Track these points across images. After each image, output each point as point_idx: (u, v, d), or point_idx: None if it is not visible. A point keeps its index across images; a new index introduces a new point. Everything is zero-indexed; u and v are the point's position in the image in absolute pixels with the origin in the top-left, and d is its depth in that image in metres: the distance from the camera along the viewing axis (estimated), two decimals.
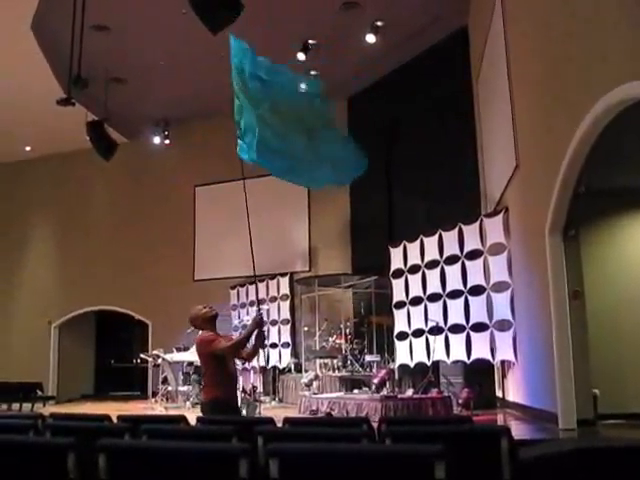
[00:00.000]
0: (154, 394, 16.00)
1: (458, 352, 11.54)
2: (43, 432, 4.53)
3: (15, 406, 16.37)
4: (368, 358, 13.75)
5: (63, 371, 20.20)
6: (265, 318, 16.48)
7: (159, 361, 15.16)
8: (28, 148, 20.66)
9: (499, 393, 11.89)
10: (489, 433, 4.01)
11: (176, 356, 14.96)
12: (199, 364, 7.59)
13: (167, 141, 19.34)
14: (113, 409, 13.70)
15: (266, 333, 15.49)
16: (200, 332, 6.02)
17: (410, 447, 2.94)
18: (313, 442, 3.61)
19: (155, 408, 14.10)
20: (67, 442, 3.27)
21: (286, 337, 16.65)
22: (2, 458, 3.49)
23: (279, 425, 4.86)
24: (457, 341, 11.58)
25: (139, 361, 19.23)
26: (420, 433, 4.05)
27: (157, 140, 19.30)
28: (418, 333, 12.52)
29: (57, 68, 14.59)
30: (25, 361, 19.51)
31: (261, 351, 16.27)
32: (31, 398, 16.88)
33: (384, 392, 11.17)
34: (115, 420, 5.28)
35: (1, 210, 21.46)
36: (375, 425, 4.64)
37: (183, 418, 5.27)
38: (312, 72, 15.82)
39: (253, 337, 6.00)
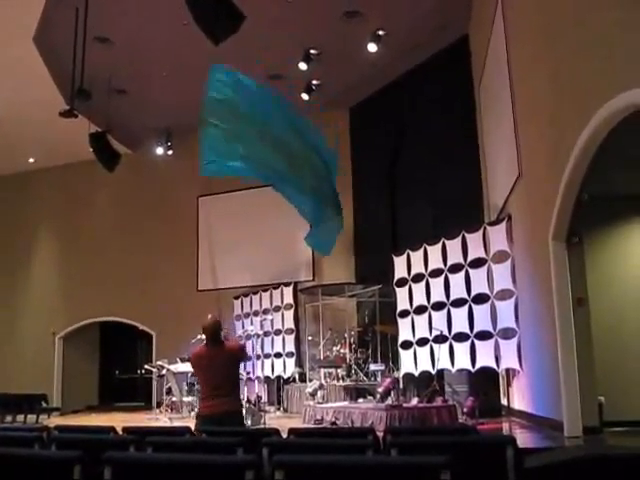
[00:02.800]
0: (159, 405, 15.99)
1: (463, 360, 11.52)
2: (49, 445, 4.53)
3: (20, 417, 16.36)
4: (372, 367, 13.73)
5: (67, 382, 20.19)
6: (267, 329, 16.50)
7: (163, 372, 15.14)
8: (32, 160, 20.71)
9: (504, 401, 11.85)
10: (495, 443, 4.01)
11: (180, 366, 14.93)
12: None
13: (170, 151, 19.37)
14: (118, 420, 13.71)
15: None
16: (225, 340, 6.39)
17: (416, 458, 2.94)
18: (319, 453, 3.62)
19: (160, 419, 14.07)
20: (73, 455, 3.28)
21: (290, 347, 16.63)
22: (9, 471, 3.49)
23: (284, 435, 4.87)
24: (461, 349, 11.56)
25: (143, 372, 19.23)
26: (426, 443, 4.04)
27: (160, 151, 19.32)
28: (422, 342, 12.50)
29: (60, 80, 14.65)
30: (30, 372, 19.51)
31: (265, 361, 16.39)
32: (36, 409, 16.86)
33: (389, 401, 11.14)
34: (120, 431, 5.28)
35: (5, 222, 21.51)
36: (380, 435, 4.65)
37: (188, 429, 5.27)
38: (313, 81, 15.87)
39: None
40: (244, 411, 11.45)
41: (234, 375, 6.35)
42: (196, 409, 13.72)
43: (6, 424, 15.44)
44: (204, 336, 6.54)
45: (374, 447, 3.88)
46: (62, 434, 5.20)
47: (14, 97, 16.09)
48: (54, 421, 15.04)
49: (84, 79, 11.37)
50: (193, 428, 5.73)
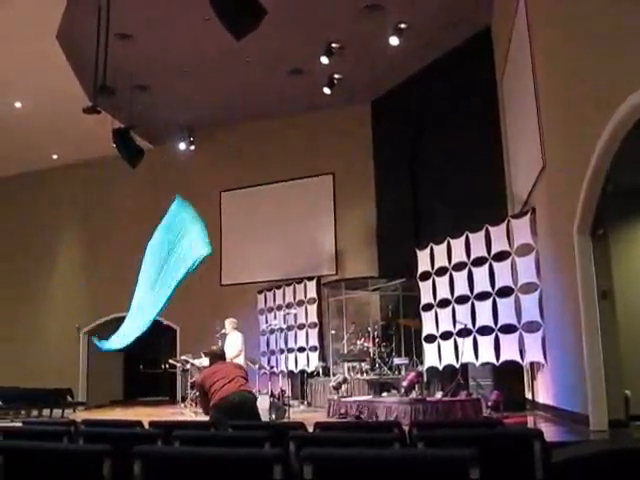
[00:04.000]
0: (183, 399, 16.05)
1: (487, 354, 11.48)
2: (76, 439, 4.57)
3: (45, 412, 16.51)
4: (396, 361, 13.71)
5: (92, 377, 20.35)
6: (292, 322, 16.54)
7: (187, 366, 15.20)
8: (55, 156, 20.86)
9: (528, 395, 11.80)
10: (522, 436, 3.99)
11: (204, 361, 14.92)
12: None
13: (192, 147, 19.47)
14: (143, 414, 13.77)
15: None
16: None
17: (444, 452, 2.94)
18: (345, 447, 3.62)
19: (184, 413, 14.14)
20: (103, 449, 3.30)
21: (314, 341, 16.64)
22: (37, 465, 3.53)
23: (310, 429, 4.87)
24: (486, 343, 11.52)
25: (167, 366, 19.33)
26: (452, 437, 4.04)
27: (182, 146, 19.43)
28: (446, 335, 12.47)
29: (82, 77, 14.73)
30: (55, 367, 19.66)
31: (289, 355, 16.43)
32: (61, 404, 17.01)
33: (413, 395, 11.14)
34: (147, 426, 5.32)
35: (29, 218, 21.72)
36: (406, 429, 4.64)
37: (212, 423, 5.29)
38: (335, 75, 15.86)
39: None
40: (268, 405, 11.54)
41: (244, 376, 7.37)
42: None
43: (32, 418, 15.60)
44: (216, 347, 8.18)
45: (401, 440, 3.88)
46: (89, 428, 5.24)
47: (37, 94, 16.23)
48: (80, 415, 15.15)
49: (106, 75, 11.41)
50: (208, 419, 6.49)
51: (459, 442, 3.76)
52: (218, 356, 7.67)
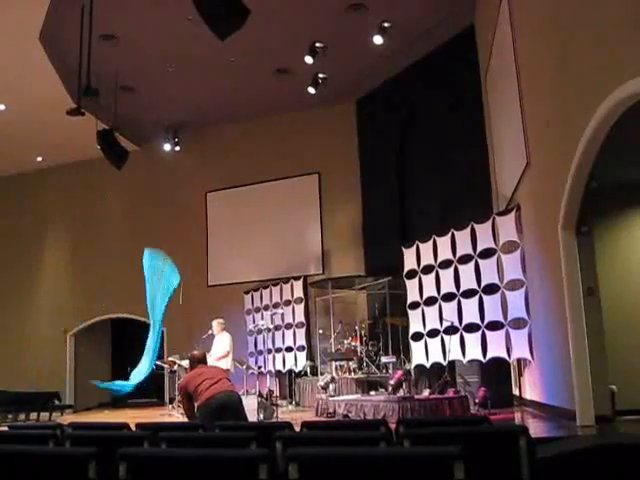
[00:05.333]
0: (171, 400, 16.03)
1: (474, 351, 11.52)
2: (63, 442, 4.55)
3: (33, 415, 16.45)
4: (384, 359, 13.72)
5: (80, 379, 20.24)
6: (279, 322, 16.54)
7: (175, 367, 15.16)
8: (39, 159, 20.77)
9: (516, 391, 11.85)
10: (507, 432, 4.01)
11: None
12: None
13: (177, 147, 19.46)
14: (131, 417, 13.77)
15: None
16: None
17: (429, 449, 2.95)
18: (332, 446, 3.62)
19: (173, 414, 14.12)
20: (88, 452, 3.29)
21: (301, 340, 16.66)
22: (23, 469, 3.52)
23: (297, 428, 4.88)
24: (472, 340, 11.56)
25: (155, 368, 19.27)
26: (438, 434, 4.05)
27: (168, 147, 19.41)
28: (433, 333, 12.51)
29: (66, 78, 14.69)
30: (42, 370, 19.59)
31: (277, 355, 16.43)
32: (49, 407, 16.95)
33: (401, 393, 11.16)
34: (134, 428, 5.31)
35: (14, 221, 21.60)
36: (393, 427, 4.65)
37: (201, 425, 5.29)
38: (320, 75, 15.87)
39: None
40: (256, 405, 11.53)
41: (228, 378, 7.57)
42: None
43: (19, 422, 15.54)
44: (196, 352, 7.98)
45: (387, 439, 3.89)
46: (76, 431, 5.23)
47: (20, 96, 16.15)
48: (67, 419, 15.13)
49: (90, 77, 11.36)
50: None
51: (445, 439, 3.77)
52: (198, 360, 7.73)
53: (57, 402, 17.87)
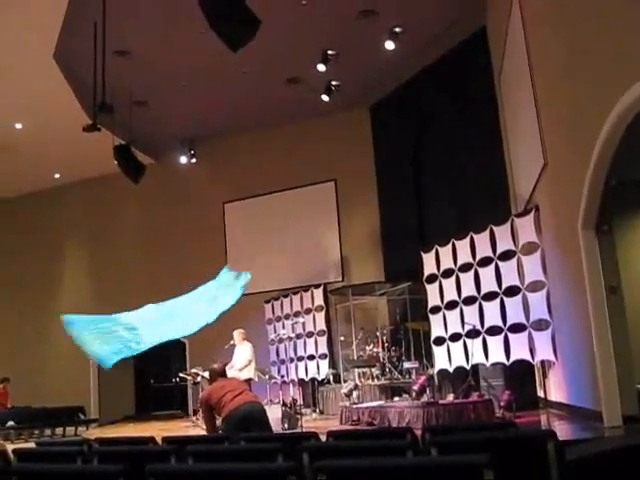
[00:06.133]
0: (195, 412, 16.04)
1: (497, 354, 11.45)
2: (90, 458, 4.57)
3: (59, 430, 16.52)
4: (406, 365, 13.66)
5: (104, 393, 20.36)
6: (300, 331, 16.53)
7: (198, 379, 15.19)
8: (57, 175, 20.93)
9: (541, 393, 11.77)
10: (535, 437, 3.98)
11: None
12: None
13: (194, 160, 19.53)
14: (156, 429, 13.80)
15: None
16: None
17: (458, 458, 2.93)
18: (359, 455, 3.61)
19: (197, 425, 14.13)
20: (116, 469, 3.30)
21: (323, 348, 16.64)
22: None
23: (322, 437, 4.87)
24: (495, 343, 11.50)
25: (178, 380, 19.32)
26: (465, 441, 4.03)
27: (184, 159, 19.49)
28: (455, 337, 12.45)
29: (81, 95, 14.79)
30: (66, 385, 19.70)
31: (299, 363, 16.41)
32: (74, 422, 17.02)
33: (424, 398, 11.11)
34: (160, 441, 5.32)
35: (34, 237, 21.74)
36: (418, 433, 4.64)
37: (227, 437, 5.29)
38: (333, 82, 15.88)
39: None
40: (280, 415, 11.53)
41: (249, 389, 7.82)
42: None
43: (46, 437, 15.62)
44: (217, 365, 8.01)
45: (414, 447, 3.87)
46: (103, 447, 5.25)
47: (37, 114, 16.29)
48: (93, 433, 15.18)
49: (105, 93, 11.43)
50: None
51: (472, 446, 3.74)
52: (218, 373, 7.75)
53: (82, 416, 17.92)
